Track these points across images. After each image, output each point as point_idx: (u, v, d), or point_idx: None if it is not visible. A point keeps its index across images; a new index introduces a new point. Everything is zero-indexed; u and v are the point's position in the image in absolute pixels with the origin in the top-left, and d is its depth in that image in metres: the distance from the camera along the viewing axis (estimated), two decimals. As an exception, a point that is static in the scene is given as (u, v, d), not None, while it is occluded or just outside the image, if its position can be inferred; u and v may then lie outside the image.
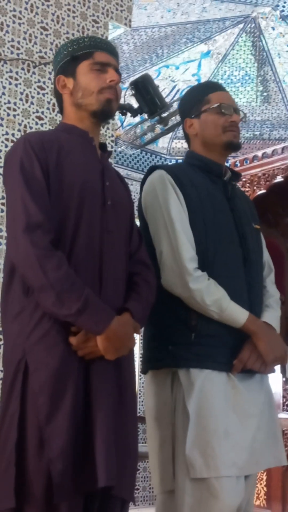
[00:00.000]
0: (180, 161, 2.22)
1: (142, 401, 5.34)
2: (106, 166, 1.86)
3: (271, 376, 3.94)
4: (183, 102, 2.20)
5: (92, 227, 1.73)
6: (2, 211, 2.92)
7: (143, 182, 2.09)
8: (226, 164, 2.17)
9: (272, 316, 2.03)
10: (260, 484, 3.90)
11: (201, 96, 2.11)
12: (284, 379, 3.92)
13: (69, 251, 1.68)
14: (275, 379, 3.90)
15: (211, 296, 1.87)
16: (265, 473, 3.89)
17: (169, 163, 6.05)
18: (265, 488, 3.90)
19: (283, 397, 3.89)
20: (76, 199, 1.72)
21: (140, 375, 5.56)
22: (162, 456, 1.92)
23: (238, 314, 1.90)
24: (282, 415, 3.85)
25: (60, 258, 1.63)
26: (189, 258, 1.90)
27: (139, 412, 5.60)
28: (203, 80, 6.10)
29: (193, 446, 1.82)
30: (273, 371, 2.04)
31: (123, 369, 1.72)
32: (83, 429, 1.60)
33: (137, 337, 5.71)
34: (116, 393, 1.67)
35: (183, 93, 2.28)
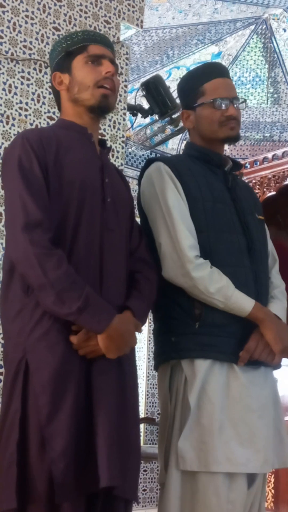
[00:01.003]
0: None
1: (150, 402, 5.34)
2: (106, 162, 1.84)
3: (281, 378, 3.90)
4: (179, 91, 2.14)
5: (92, 225, 1.71)
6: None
7: (140, 176, 2.04)
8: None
9: (278, 307, 1.96)
10: (268, 486, 3.89)
11: (196, 86, 2.04)
12: (292, 381, 3.90)
13: (69, 249, 1.66)
14: (284, 381, 3.89)
15: (215, 284, 1.81)
16: (272, 475, 3.88)
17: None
18: (273, 491, 3.88)
19: (292, 399, 3.88)
20: (76, 197, 1.70)
21: (148, 375, 5.56)
22: (160, 450, 1.90)
23: (244, 302, 1.83)
24: (291, 417, 3.83)
25: (60, 257, 1.61)
26: (189, 246, 1.85)
27: (147, 413, 5.60)
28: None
29: (186, 439, 1.79)
30: (279, 365, 1.97)
31: (124, 368, 1.70)
32: (85, 428, 1.59)
33: (146, 334, 5.71)
34: (118, 392, 1.65)
35: (180, 79, 2.18)
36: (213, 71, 2.08)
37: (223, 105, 1.98)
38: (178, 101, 2.31)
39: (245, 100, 2.06)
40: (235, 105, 2.00)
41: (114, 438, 1.59)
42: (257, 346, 1.83)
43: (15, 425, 1.58)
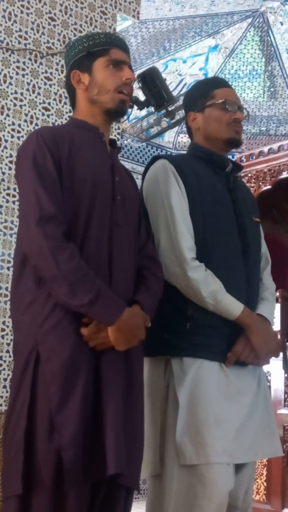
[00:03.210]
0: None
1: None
2: (116, 161, 1.89)
3: (273, 373, 3.92)
4: (188, 95, 2.23)
5: (102, 221, 1.76)
6: (7, 201, 2.92)
7: (145, 171, 2.11)
8: (232, 159, 2.19)
9: (267, 308, 2.05)
10: (260, 479, 3.90)
11: (206, 91, 2.13)
12: (286, 375, 3.91)
13: (80, 244, 1.71)
14: (277, 375, 3.90)
15: (208, 287, 1.90)
16: (265, 468, 3.90)
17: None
18: (265, 483, 3.90)
19: (285, 393, 3.89)
20: (87, 194, 1.74)
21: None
22: (151, 441, 1.94)
23: (233, 307, 1.92)
24: (284, 410, 3.85)
25: (73, 250, 1.65)
26: (187, 248, 1.92)
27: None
28: (210, 74, 6.08)
29: (184, 434, 1.85)
30: (267, 363, 2.07)
31: (132, 360, 1.75)
32: (93, 418, 1.63)
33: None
34: (125, 383, 1.70)
35: (190, 86, 2.31)
36: (221, 82, 2.22)
37: (232, 108, 2.07)
38: (181, 102, 2.34)
39: (248, 113, 2.17)
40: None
41: (121, 428, 1.63)
42: (244, 349, 1.93)
43: (23, 413, 1.62)
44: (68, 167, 1.74)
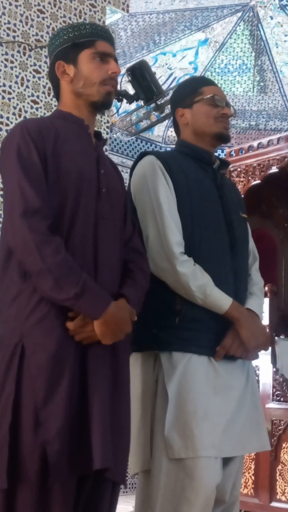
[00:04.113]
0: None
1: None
2: (101, 154, 1.88)
3: (261, 367, 3.94)
4: (176, 92, 2.25)
5: (87, 214, 1.75)
6: (-5, 195, 2.90)
7: (133, 168, 2.12)
8: (222, 153, 2.20)
9: (255, 303, 2.07)
10: (248, 473, 3.92)
11: (195, 88, 2.15)
12: (274, 369, 3.93)
13: (66, 237, 1.70)
14: (265, 369, 3.91)
15: (196, 281, 1.90)
16: (253, 462, 3.91)
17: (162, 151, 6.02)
18: (253, 477, 3.92)
19: (273, 387, 3.90)
20: (73, 187, 1.73)
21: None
22: (141, 436, 1.95)
23: (221, 300, 1.93)
24: (272, 405, 3.86)
25: (58, 244, 1.64)
26: (175, 242, 1.93)
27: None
28: (200, 68, 6.07)
29: (172, 427, 1.86)
30: (256, 357, 2.08)
31: (118, 354, 1.74)
32: (79, 412, 1.62)
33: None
34: (112, 377, 1.70)
35: (178, 84, 2.34)
36: (209, 80, 2.26)
37: (220, 103, 2.10)
38: (171, 93, 2.35)
39: (235, 111, 2.19)
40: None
41: (108, 422, 1.63)
42: (233, 343, 1.94)
43: (9, 408, 1.61)
44: (54, 160, 1.72)
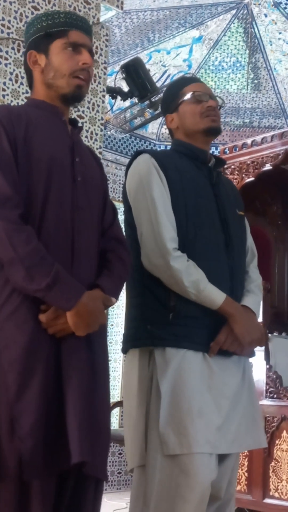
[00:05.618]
0: (168, 147, 2.27)
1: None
2: (77, 141, 1.83)
3: (255, 364, 3.94)
4: (163, 100, 2.28)
5: (62, 204, 1.71)
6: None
7: (128, 166, 2.13)
8: (215, 150, 2.22)
9: (252, 300, 2.06)
10: (242, 469, 3.93)
11: (176, 91, 2.17)
12: (267, 366, 3.94)
13: (38, 226, 1.66)
14: (258, 366, 3.92)
15: (190, 277, 1.91)
16: (246, 459, 3.93)
17: (158, 149, 6.02)
18: (246, 474, 3.93)
19: (267, 384, 3.91)
20: (43, 174, 1.69)
21: (124, 359, 5.56)
22: (135, 432, 1.96)
23: (215, 296, 1.93)
24: (265, 401, 3.87)
25: (30, 232, 1.61)
26: (169, 238, 1.94)
27: (123, 396, 5.60)
28: (194, 65, 6.07)
29: (167, 424, 1.86)
30: (253, 353, 2.08)
31: (94, 345, 1.70)
32: (55, 406, 1.59)
33: (122, 319, 5.70)
34: (88, 370, 1.65)
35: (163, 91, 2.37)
36: (190, 78, 2.32)
37: (203, 97, 2.10)
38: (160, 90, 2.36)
39: (223, 101, 2.19)
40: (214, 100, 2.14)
41: (85, 416, 1.59)
42: (227, 338, 1.94)
43: None
44: (25, 147, 1.68)
